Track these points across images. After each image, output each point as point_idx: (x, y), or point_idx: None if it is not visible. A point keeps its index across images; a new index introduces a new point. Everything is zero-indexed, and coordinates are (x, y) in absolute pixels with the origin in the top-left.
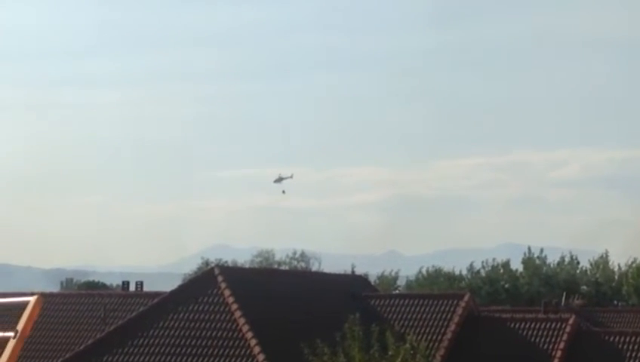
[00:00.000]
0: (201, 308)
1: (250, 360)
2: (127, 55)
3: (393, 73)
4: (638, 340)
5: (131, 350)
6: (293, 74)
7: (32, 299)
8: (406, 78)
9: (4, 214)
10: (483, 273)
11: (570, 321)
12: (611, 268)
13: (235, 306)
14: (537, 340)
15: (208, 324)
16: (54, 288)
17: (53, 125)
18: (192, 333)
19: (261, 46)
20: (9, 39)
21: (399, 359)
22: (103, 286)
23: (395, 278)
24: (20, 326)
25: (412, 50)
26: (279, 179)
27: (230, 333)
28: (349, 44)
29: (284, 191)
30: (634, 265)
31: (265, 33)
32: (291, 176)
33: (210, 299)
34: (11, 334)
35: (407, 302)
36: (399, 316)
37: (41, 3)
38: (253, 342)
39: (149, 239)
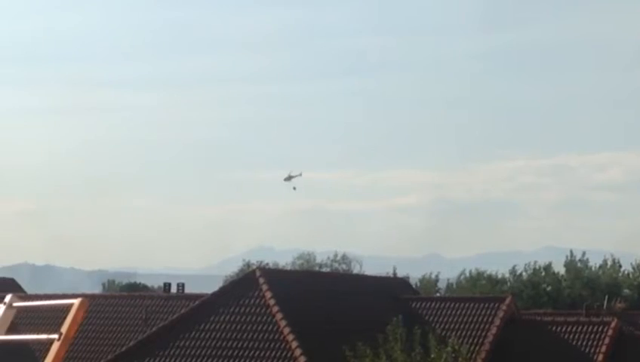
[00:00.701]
0: (242, 309)
1: None
2: (175, 57)
3: (439, 77)
4: None
5: (173, 352)
6: (339, 76)
7: (76, 302)
8: (451, 82)
9: (49, 216)
10: (525, 276)
11: (612, 325)
12: None
13: (276, 308)
14: (579, 343)
15: (249, 326)
16: (96, 289)
17: (100, 127)
18: (234, 335)
19: (307, 48)
20: (57, 40)
21: (441, 361)
22: (145, 287)
23: (436, 281)
24: (64, 329)
25: (458, 53)
26: (289, 178)
27: (271, 335)
28: (397, 46)
29: (294, 188)
30: None
31: (311, 35)
32: (300, 174)
33: (252, 301)
34: (55, 336)
35: (448, 304)
36: (441, 319)
37: (95, 6)
38: (294, 344)
39: (191, 241)
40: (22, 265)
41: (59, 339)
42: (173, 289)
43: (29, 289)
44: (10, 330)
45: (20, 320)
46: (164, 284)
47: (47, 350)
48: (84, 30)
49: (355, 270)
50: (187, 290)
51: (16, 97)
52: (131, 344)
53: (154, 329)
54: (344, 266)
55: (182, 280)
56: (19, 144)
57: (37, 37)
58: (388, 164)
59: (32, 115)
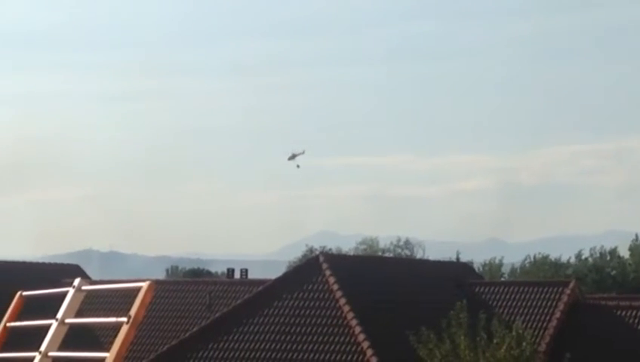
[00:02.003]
0: (305, 295)
1: (354, 347)
2: (234, 42)
3: (499, 60)
4: None
5: (236, 337)
6: (399, 61)
7: (144, 285)
8: (513, 65)
9: (113, 201)
10: (590, 261)
11: None
12: None
13: (339, 293)
14: None
15: (313, 311)
16: (160, 275)
17: (163, 113)
18: (297, 320)
19: (364, 34)
20: (123, 26)
21: (505, 346)
22: (208, 273)
23: (500, 266)
24: (132, 312)
25: (517, 36)
26: (292, 156)
27: (335, 320)
28: (454, 31)
29: (298, 166)
30: None
31: (366, 20)
32: (303, 152)
33: (315, 287)
34: (124, 319)
35: (512, 289)
36: (504, 303)
37: None
38: (357, 329)
39: (255, 227)
40: (86, 252)
41: (128, 322)
42: (237, 275)
43: (94, 276)
44: (77, 315)
45: (84, 306)
46: (228, 270)
47: (115, 334)
48: (150, 16)
49: (418, 255)
50: (250, 276)
51: (80, 83)
52: (194, 329)
53: (217, 314)
54: (407, 251)
55: (245, 266)
56: (84, 129)
57: (101, 23)
58: (450, 149)
59: (95, 100)
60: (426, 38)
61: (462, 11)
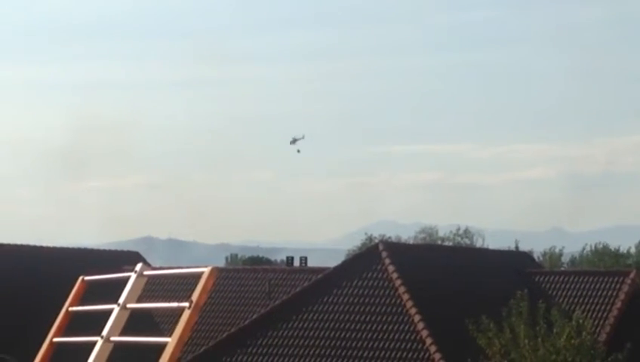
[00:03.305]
0: (365, 283)
1: (414, 336)
2: (300, 30)
3: (565, 47)
4: None
5: (295, 324)
6: (461, 49)
7: (206, 270)
8: (579, 52)
9: (173, 189)
10: None
11: None
12: None
13: (399, 282)
14: None
15: (372, 300)
16: (219, 263)
17: (225, 101)
18: (356, 309)
19: (427, 22)
20: (190, 15)
21: (565, 336)
22: (268, 261)
23: (560, 255)
24: (194, 297)
25: (582, 24)
26: (293, 141)
27: (394, 309)
28: (518, 17)
29: (299, 151)
30: None
31: (430, 9)
32: (303, 137)
33: (375, 275)
34: (186, 304)
35: (572, 279)
36: (564, 293)
37: None
38: (417, 317)
39: (314, 215)
40: (146, 239)
41: (189, 307)
42: (296, 263)
43: (153, 263)
44: (138, 301)
45: (143, 293)
46: (287, 258)
47: (175, 320)
48: (216, 4)
49: (478, 244)
50: (310, 264)
51: (141, 71)
52: (254, 317)
53: (277, 302)
54: (466, 240)
55: (305, 254)
56: (146, 117)
57: (161, 12)
58: (514, 137)
59: (158, 88)
60: (490, 24)
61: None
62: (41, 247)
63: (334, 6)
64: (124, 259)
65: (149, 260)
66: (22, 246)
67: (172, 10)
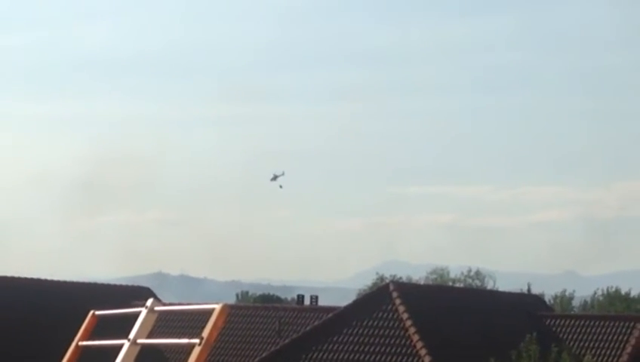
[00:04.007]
0: (375, 323)
1: None
2: (327, 69)
3: (582, 91)
4: None
5: None
6: (481, 91)
7: (217, 307)
8: (596, 96)
9: (188, 225)
10: None
11: None
12: None
13: (409, 322)
14: None
15: (382, 340)
16: (230, 300)
17: (245, 139)
18: (367, 348)
19: (453, 63)
20: (214, 50)
21: None
22: (278, 299)
23: (572, 298)
24: (205, 333)
25: (601, 68)
26: (274, 178)
27: (404, 349)
28: (539, 62)
29: (281, 186)
30: None
31: (453, 50)
32: (283, 173)
33: (385, 315)
34: (197, 341)
35: (583, 322)
36: (575, 336)
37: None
38: (427, 359)
39: (327, 254)
40: (158, 274)
41: (200, 344)
42: (307, 302)
43: (166, 298)
44: (148, 336)
45: (153, 329)
46: (298, 296)
47: (184, 356)
48: (237, 42)
49: (489, 286)
50: (321, 303)
51: (163, 108)
52: (264, 355)
53: (287, 340)
54: (477, 282)
55: (315, 293)
56: (167, 154)
57: (189, 49)
58: (530, 180)
59: (180, 125)
60: (509, 68)
61: (547, 42)
62: (52, 281)
63: (360, 46)
64: (136, 294)
65: (161, 295)
66: (32, 279)
67: (199, 47)
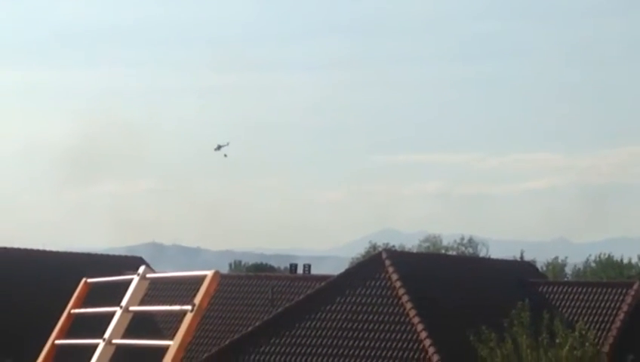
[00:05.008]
0: (368, 291)
1: (416, 344)
2: (316, 40)
3: (574, 60)
4: None
5: (298, 332)
6: (469, 59)
7: (209, 274)
8: (588, 65)
9: (181, 195)
10: None
11: None
12: None
13: (402, 290)
14: None
15: (375, 308)
16: (223, 270)
17: (236, 108)
18: (359, 316)
19: (436, 32)
20: (196, 23)
21: (567, 346)
22: (271, 268)
23: (564, 266)
24: (197, 300)
25: (588, 38)
26: (218, 148)
27: (397, 317)
28: (526, 30)
29: (225, 155)
30: None
31: (438, 19)
32: (228, 144)
33: (378, 283)
34: (189, 307)
35: (575, 289)
36: (567, 303)
37: None
38: (419, 326)
39: (319, 223)
40: (149, 245)
41: (192, 310)
42: (300, 271)
43: (160, 269)
44: (140, 304)
45: (144, 298)
46: (291, 265)
47: (176, 323)
48: (228, 14)
49: (482, 253)
50: (313, 272)
51: (155, 77)
52: (257, 324)
53: (280, 309)
54: (470, 250)
55: (308, 262)
56: (157, 123)
57: (181, 20)
58: (520, 147)
59: (172, 94)
60: (497, 36)
61: (533, 11)
62: (44, 251)
63: (346, 16)
64: (129, 264)
65: (156, 266)
66: (24, 250)
67: (190, 17)
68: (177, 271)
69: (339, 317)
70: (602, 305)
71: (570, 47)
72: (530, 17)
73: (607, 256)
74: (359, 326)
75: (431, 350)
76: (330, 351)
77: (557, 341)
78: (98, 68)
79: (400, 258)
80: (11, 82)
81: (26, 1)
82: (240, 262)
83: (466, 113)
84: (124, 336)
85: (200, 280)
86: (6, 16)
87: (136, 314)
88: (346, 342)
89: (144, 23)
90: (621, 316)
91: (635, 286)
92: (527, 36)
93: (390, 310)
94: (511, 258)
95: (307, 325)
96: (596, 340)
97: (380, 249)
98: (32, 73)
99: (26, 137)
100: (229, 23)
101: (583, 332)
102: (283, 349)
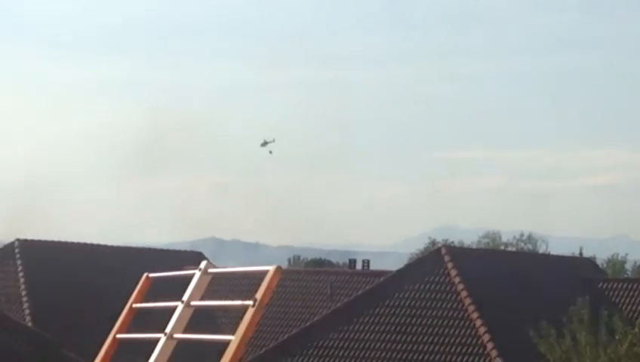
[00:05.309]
0: (427, 287)
1: (475, 340)
2: (383, 34)
3: (632, 54)
4: None
5: (357, 327)
6: (531, 55)
7: (270, 269)
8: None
9: (243, 190)
10: None
11: None
12: None
13: (461, 286)
14: None
15: (434, 303)
16: (282, 265)
17: (304, 104)
18: (418, 312)
19: (504, 27)
20: (286, 16)
21: (627, 343)
22: (330, 263)
23: (624, 262)
24: (258, 295)
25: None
26: (264, 143)
27: (456, 313)
28: (588, 23)
29: (270, 152)
30: None
31: (506, 14)
32: (273, 140)
33: (437, 279)
34: (250, 302)
35: (635, 286)
36: (627, 300)
37: None
38: (478, 322)
39: (378, 218)
40: (209, 240)
41: (253, 305)
42: (359, 266)
43: (216, 263)
44: (202, 298)
45: (205, 293)
46: (349, 261)
47: (235, 317)
48: (300, 7)
49: (541, 250)
50: (372, 267)
51: (229, 72)
52: (316, 319)
53: (338, 304)
54: (530, 246)
55: (367, 257)
56: (228, 119)
57: (247, 13)
58: (582, 144)
59: (241, 90)
60: (560, 30)
61: (602, 4)
62: (105, 246)
63: (413, 10)
64: (190, 259)
65: (216, 261)
66: (86, 244)
67: (253, 12)
68: (237, 266)
69: (397, 312)
70: None
71: (630, 42)
72: (600, 10)
73: None
74: (418, 322)
75: (489, 346)
76: (388, 346)
77: (616, 337)
78: (166, 60)
79: (459, 254)
80: (80, 75)
81: None
82: (299, 257)
83: (528, 109)
84: (184, 331)
85: (261, 275)
86: (78, 5)
87: (198, 308)
88: (404, 337)
89: (211, 17)
90: None
91: None
92: (596, 31)
93: (449, 306)
94: (570, 254)
95: (365, 320)
96: None
97: (440, 245)
98: (102, 65)
99: (90, 130)
100: (297, 16)
101: None
102: (341, 344)
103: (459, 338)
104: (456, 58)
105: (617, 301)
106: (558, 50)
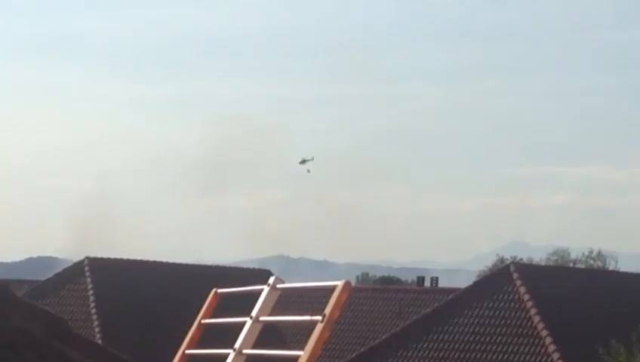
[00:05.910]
0: (496, 304)
1: (545, 358)
2: (448, 48)
3: None
4: None
5: (426, 345)
6: (600, 69)
7: (340, 284)
8: None
9: (309, 205)
10: None
11: None
12: None
13: (530, 304)
14: None
15: (503, 321)
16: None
17: (367, 118)
18: (487, 330)
19: (564, 42)
20: (346, 30)
21: None
22: (398, 281)
23: None
24: (327, 310)
25: None
26: (303, 161)
27: (525, 331)
28: None
29: (308, 171)
30: None
31: (567, 28)
32: (312, 158)
33: (506, 296)
34: (319, 318)
35: None
36: None
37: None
38: (548, 339)
39: (446, 235)
40: (278, 257)
41: (322, 321)
42: (427, 284)
43: (285, 281)
44: (270, 314)
45: (273, 310)
46: (418, 278)
47: (302, 333)
48: (353, 20)
49: (611, 267)
50: (441, 284)
51: (291, 87)
52: (384, 337)
53: (407, 322)
54: (599, 263)
55: (436, 274)
56: (290, 134)
57: (307, 28)
58: None
59: (303, 104)
60: (627, 46)
61: None
62: (174, 264)
63: (479, 23)
64: (257, 276)
65: (284, 278)
66: (154, 262)
67: (311, 26)
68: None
69: (467, 330)
70: None
71: None
72: None
73: None
74: (487, 339)
75: None
76: None
77: None
78: (228, 77)
79: (528, 271)
80: (143, 93)
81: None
82: (367, 274)
83: (595, 124)
84: (254, 346)
85: (330, 290)
86: (135, 27)
87: (266, 324)
88: (473, 355)
89: (271, 30)
90: None
91: None
92: None
93: (518, 323)
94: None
95: (435, 338)
96: None
97: (508, 262)
98: (161, 84)
99: (156, 147)
100: (359, 29)
101: None
102: None
103: (528, 356)
104: (525, 72)
105: None
106: (625, 66)
